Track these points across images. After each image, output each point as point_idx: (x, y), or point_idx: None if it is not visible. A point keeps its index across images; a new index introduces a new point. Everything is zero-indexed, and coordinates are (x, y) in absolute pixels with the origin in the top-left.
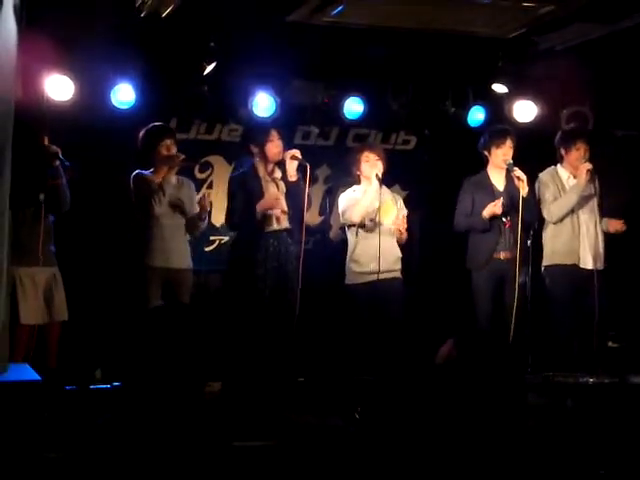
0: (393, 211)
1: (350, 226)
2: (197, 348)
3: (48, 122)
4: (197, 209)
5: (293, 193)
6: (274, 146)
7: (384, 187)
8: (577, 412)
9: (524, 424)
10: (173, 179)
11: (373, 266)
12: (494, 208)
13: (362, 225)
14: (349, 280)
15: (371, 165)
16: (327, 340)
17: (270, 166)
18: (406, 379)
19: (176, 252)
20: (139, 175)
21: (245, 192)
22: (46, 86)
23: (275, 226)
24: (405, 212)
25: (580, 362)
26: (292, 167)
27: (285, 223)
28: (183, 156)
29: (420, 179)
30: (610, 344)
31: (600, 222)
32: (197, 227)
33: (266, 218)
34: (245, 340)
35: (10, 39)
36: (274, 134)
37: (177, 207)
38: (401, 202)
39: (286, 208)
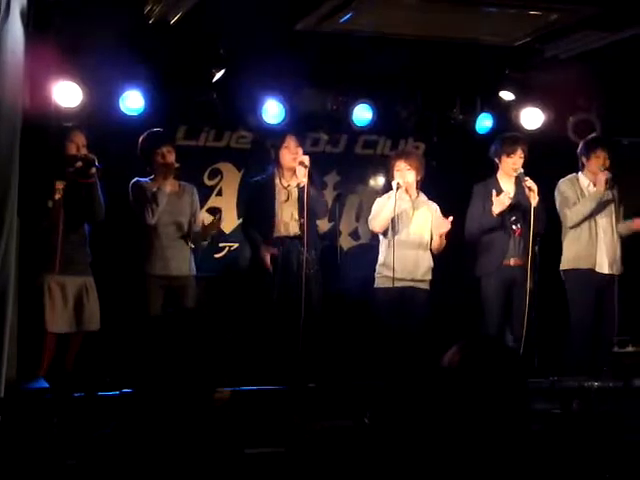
0: (428, 219)
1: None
2: (207, 354)
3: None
4: (200, 218)
5: (303, 200)
6: (289, 152)
7: (422, 195)
8: (582, 416)
9: (528, 428)
10: (168, 188)
11: (404, 273)
12: (502, 199)
13: (384, 234)
14: (379, 284)
15: (401, 175)
16: (336, 346)
17: (285, 172)
18: (412, 383)
19: (175, 259)
20: (136, 183)
21: (258, 199)
22: (54, 92)
23: (282, 233)
24: (442, 221)
25: (591, 366)
26: (300, 173)
27: (295, 230)
28: (177, 165)
29: (428, 185)
30: (617, 349)
31: (617, 227)
32: (198, 242)
33: (274, 225)
34: (255, 346)
35: (18, 45)
36: (290, 141)
37: (180, 215)
38: (438, 210)
39: (297, 216)
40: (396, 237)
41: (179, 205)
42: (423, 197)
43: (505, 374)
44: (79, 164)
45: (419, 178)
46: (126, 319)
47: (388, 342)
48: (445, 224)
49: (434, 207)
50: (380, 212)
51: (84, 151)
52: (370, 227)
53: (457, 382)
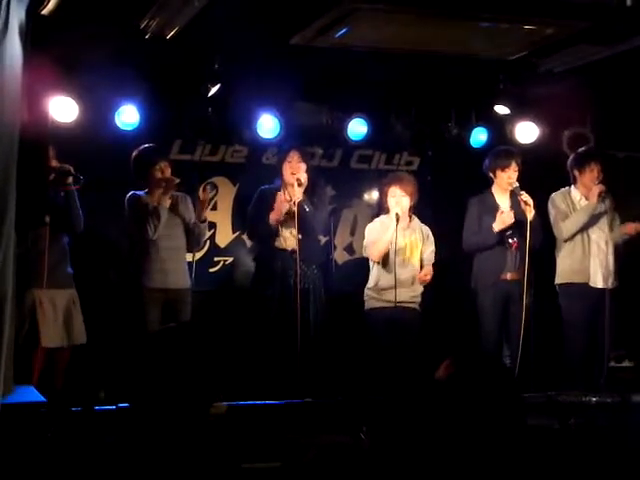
0: (418, 247)
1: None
2: (203, 369)
3: (50, 143)
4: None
5: (301, 215)
6: (289, 167)
7: (415, 220)
8: (580, 431)
9: (525, 444)
10: (168, 202)
11: (398, 297)
12: (505, 218)
13: (381, 262)
14: (369, 306)
15: (397, 201)
16: (334, 360)
17: (288, 187)
18: (407, 399)
19: (174, 272)
20: (134, 197)
21: (264, 208)
22: (50, 108)
23: (282, 244)
24: (430, 266)
25: (588, 381)
26: (296, 190)
27: (292, 244)
28: (178, 180)
29: (423, 199)
30: (613, 363)
31: (611, 239)
32: (198, 234)
33: (275, 235)
34: (252, 361)
35: (16, 61)
36: (293, 155)
37: (177, 227)
38: (431, 237)
39: (294, 231)
40: (389, 262)
41: (176, 217)
42: (416, 221)
43: (497, 387)
44: (52, 176)
45: (412, 203)
46: (121, 332)
47: (383, 359)
48: (425, 275)
49: (426, 232)
50: (377, 242)
51: (54, 163)
52: (366, 255)
53: (448, 397)
